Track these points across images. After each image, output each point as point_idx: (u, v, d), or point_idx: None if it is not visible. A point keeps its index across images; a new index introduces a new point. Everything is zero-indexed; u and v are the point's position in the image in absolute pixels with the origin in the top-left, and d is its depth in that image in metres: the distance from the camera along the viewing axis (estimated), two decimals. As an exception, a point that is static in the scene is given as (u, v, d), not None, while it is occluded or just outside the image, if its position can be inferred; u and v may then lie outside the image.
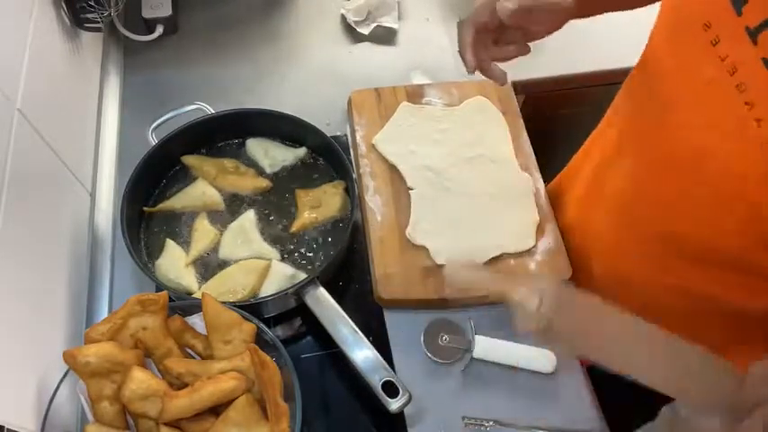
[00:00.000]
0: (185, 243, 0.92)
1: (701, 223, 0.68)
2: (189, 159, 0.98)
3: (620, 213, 0.81)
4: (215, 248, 0.91)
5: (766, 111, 0.57)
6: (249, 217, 0.94)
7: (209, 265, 0.90)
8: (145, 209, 0.94)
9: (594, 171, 0.88)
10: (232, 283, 0.87)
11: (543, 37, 0.73)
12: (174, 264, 0.89)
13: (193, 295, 0.86)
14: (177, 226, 0.94)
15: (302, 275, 0.88)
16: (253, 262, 0.89)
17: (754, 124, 0.57)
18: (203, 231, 0.92)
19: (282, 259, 0.91)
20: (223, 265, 0.90)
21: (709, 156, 0.63)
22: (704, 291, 0.74)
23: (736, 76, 0.59)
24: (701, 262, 0.71)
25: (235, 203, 0.96)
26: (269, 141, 1.01)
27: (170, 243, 0.91)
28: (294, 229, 0.93)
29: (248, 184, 0.96)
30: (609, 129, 0.86)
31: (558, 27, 0.72)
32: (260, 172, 0.99)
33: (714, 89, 0.61)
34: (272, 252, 0.91)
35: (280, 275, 0.88)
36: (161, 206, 0.95)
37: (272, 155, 1.00)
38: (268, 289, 0.87)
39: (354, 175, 0.96)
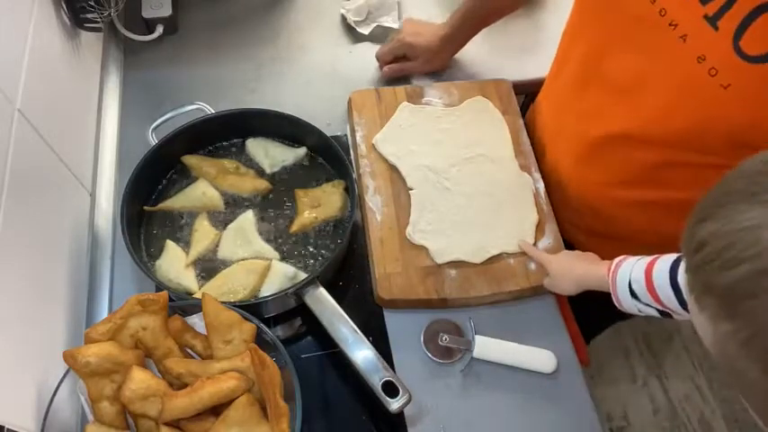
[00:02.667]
0: (185, 243, 0.92)
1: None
2: (189, 159, 0.98)
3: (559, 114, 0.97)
4: (215, 249, 0.91)
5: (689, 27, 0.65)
6: (248, 217, 0.93)
7: (209, 266, 0.90)
8: (145, 208, 0.94)
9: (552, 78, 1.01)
10: (232, 284, 0.87)
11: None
12: (174, 264, 0.89)
13: (193, 295, 0.86)
14: (177, 226, 0.94)
15: (302, 275, 0.88)
16: (253, 262, 0.89)
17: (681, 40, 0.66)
18: (203, 232, 0.92)
19: (282, 259, 0.91)
20: (222, 265, 0.90)
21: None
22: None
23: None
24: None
25: (234, 204, 0.96)
26: (269, 141, 1.01)
27: (170, 244, 0.91)
28: (294, 228, 0.92)
29: (248, 185, 0.96)
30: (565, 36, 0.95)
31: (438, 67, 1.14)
32: (260, 172, 0.99)
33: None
34: (271, 252, 0.91)
35: (280, 275, 0.88)
36: (161, 206, 0.95)
37: (272, 154, 1.00)
38: (268, 289, 0.87)
39: (354, 175, 0.96)
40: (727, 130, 0.68)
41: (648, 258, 0.74)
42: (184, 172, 0.99)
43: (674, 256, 0.71)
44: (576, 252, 0.88)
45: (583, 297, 0.89)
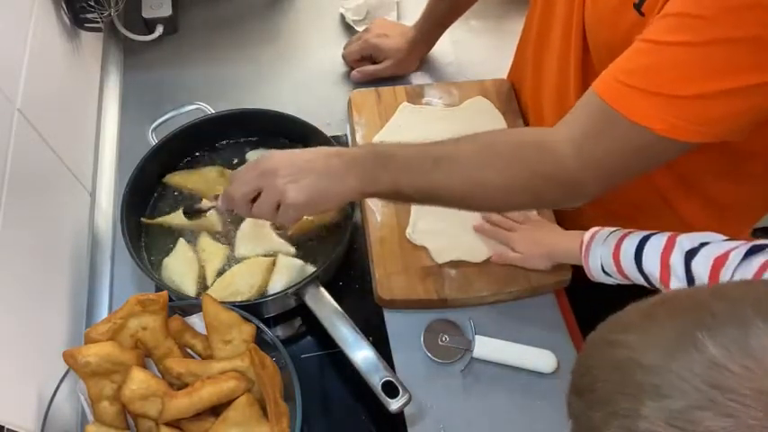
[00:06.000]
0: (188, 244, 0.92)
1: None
2: (172, 179, 0.97)
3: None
4: (229, 260, 0.91)
5: None
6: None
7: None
8: (143, 220, 0.93)
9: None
10: (238, 284, 0.86)
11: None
12: (182, 266, 0.89)
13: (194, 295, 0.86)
14: (178, 227, 0.94)
15: (309, 267, 0.88)
16: (257, 260, 0.89)
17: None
18: (211, 251, 0.91)
19: (297, 254, 0.91)
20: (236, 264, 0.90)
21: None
22: None
23: None
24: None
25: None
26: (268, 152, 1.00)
27: (181, 242, 0.91)
28: (292, 231, 0.92)
29: None
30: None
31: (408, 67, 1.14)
32: None
33: None
34: (287, 247, 0.91)
35: (288, 268, 0.88)
36: (159, 220, 0.93)
37: None
38: (277, 283, 0.87)
39: (354, 175, 0.96)
40: None
41: (615, 239, 0.75)
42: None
43: (636, 239, 0.72)
44: (537, 222, 0.89)
45: (583, 297, 0.89)
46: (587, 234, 0.79)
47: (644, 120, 0.62)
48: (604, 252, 0.76)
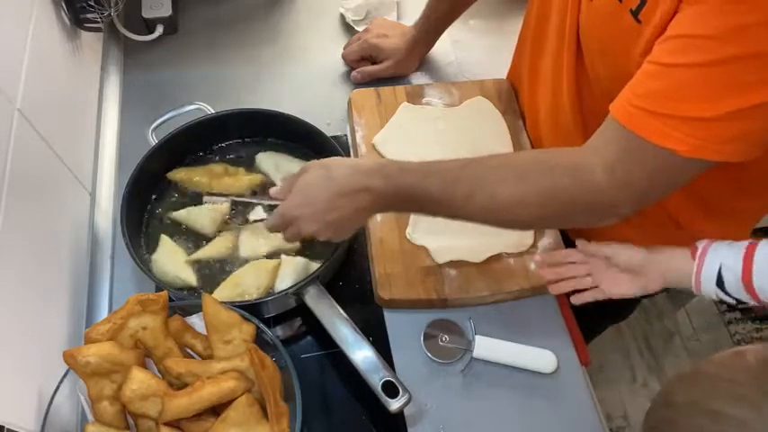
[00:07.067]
0: (187, 241, 0.92)
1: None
2: (176, 174, 0.97)
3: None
4: (226, 256, 0.91)
5: None
6: (259, 214, 0.93)
7: (212, 265, 0.90)
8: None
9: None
10: (245, 285, 0.87)
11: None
12: (171, 258, 0.89)
13: (193, 288, 0.86)
14: (179, 226, 0.94)
15: (314, 265, 0.88)
16: (264, 262, 0.89)
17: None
18: (220, 239, 0.92)
19: (301, 251, 0.91)
20: (244, 263, 0.90)
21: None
22: None
23: None
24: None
25: (237, 210, 0.95)
26: (280, 155, 1.00)
27: (164, 238, 0.91)
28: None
29: (243, 182, 0.96)
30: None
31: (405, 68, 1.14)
32: (248, 167, 0.99)
33: None
34: (288, 244, 0.90)
35: (294, 266, 0.88)
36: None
37: (285, 169, 0.97)
38: (284, 282, 0.87)
39: (354, 175, 0.96)
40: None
41: (740, 253, 0.69)
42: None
43: None
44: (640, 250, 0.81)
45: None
46: (701, 244, 0.73)
47: (666, 142, 0.62)
48: (727, 269, 0.69)
